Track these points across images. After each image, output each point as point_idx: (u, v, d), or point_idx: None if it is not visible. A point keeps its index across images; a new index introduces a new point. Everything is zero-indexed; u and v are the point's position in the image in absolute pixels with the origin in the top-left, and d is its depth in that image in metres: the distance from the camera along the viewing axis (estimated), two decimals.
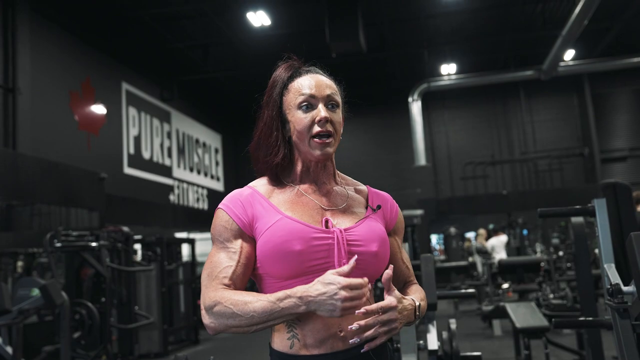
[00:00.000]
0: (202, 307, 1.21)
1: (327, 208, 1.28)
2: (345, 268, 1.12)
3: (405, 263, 1.40)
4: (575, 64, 13.89)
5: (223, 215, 1.28)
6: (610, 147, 16.07)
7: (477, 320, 8.17)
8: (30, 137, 8.29)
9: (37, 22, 8.85)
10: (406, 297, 1.22)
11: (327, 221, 1.25)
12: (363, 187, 1.40)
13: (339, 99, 1.33)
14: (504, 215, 14.27)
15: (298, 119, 1.28)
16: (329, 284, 1.10)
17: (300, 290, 1.13)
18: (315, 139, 1.26)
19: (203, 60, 12.36)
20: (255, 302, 1.14)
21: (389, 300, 1.15)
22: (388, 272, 1.16)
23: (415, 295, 1.30)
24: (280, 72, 1.34)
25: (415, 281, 1.42)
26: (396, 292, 1.17)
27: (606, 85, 15.98)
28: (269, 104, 1.33)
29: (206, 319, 1.20)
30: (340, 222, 1.26)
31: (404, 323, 1.18)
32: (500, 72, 14.28)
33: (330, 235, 1.22)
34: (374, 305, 1.12)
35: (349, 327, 1.12)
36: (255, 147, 1.34)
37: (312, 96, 1.28)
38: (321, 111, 1.27)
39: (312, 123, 1.27)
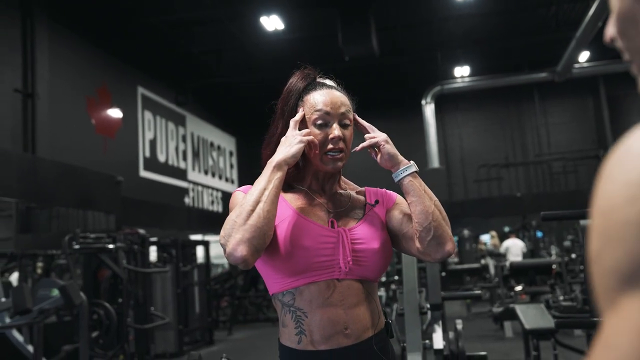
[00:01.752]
0: (229, 247, 1.18)
1: (332, 210, 1.36)
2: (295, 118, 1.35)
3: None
4: (590, 65, 13.75)
5: (240, 196, 1.30)
6: None
7: (489, 322, 8.17)
8: (49, 141, 8.47)
9: (55, 29, 9.05)
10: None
11: (332, 222, 1.33)
12: (362, 189, 1.48)
13: (351, 115, 1.37)
14: (518, 217, 14.20)
15: (312, 134, 1.32)
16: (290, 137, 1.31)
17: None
18: (328, 155, 1.33)
19: (217, 65, 12.50)
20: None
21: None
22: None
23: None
24: (296, 82, 1.39)
25: None
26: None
27: (622, 87, 15.79)
28: (285, 115, 1.38)
29: (234, 245, 1.18)
30: (344, 223, 1.34)
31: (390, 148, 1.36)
32: (514, 74, 14.21)
33: (335, 235, 1.30)
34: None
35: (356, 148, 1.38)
36: (269, 154, 1.36)
37: (327, 113, 1.33)
38: (335, 130, 1.32)
39: (326, 140, 1.32)
